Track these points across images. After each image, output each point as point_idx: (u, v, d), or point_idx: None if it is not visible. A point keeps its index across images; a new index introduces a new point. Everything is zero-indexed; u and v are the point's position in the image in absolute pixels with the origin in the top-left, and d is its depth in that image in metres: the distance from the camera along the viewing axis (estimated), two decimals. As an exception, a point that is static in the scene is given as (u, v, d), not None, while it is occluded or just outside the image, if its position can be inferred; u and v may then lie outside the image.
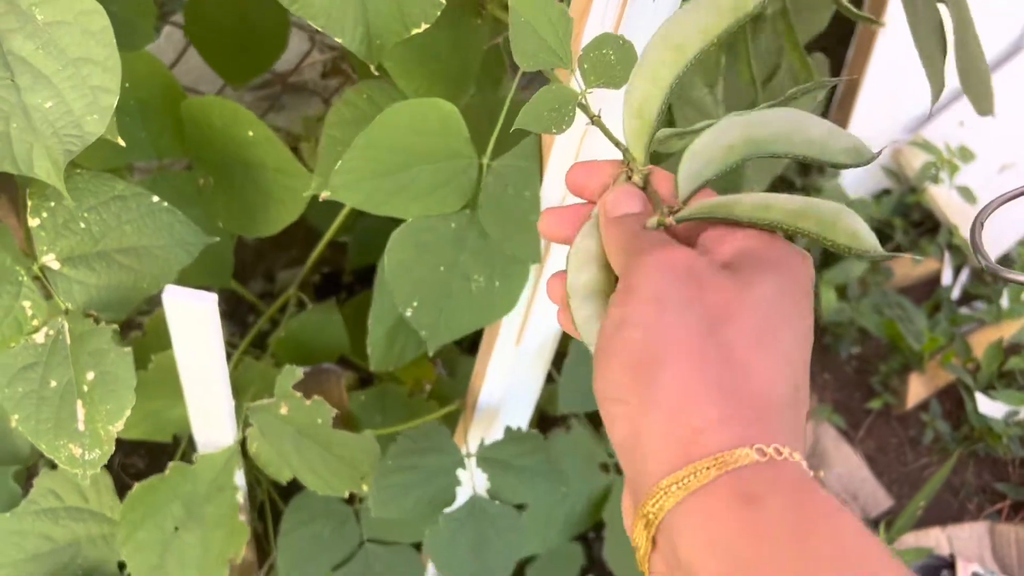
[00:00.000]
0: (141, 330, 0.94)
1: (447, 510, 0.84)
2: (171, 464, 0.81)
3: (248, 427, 0.82)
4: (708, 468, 0.34)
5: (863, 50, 1.58)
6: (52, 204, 0.68)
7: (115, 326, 0.70)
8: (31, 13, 0.54)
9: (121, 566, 0.86)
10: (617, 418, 0.38)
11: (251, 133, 0.82)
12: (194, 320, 0.66)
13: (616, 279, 0.42)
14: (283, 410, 0.81)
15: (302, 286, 1.57)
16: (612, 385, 0.38)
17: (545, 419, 1.15)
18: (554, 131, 0.49)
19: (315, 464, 0.80)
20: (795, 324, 0.39)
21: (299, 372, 0.80)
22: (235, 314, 1.50)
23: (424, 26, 0.62)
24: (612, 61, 0.49)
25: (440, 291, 0.71)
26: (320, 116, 1.42)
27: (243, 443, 0.83)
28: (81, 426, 0.70)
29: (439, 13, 0.61)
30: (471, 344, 1.43)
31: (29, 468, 0.97)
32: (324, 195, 0.66)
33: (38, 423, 0.70)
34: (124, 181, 0.68)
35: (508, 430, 0.85)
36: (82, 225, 0.68)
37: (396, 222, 0.71)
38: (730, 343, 0.37)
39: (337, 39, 0.60)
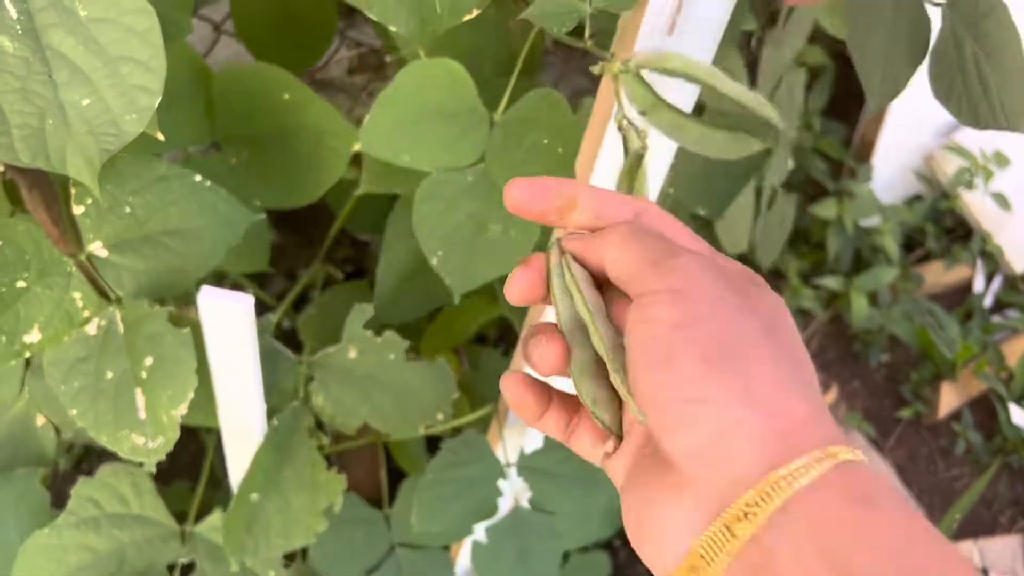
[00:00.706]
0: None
1: (490, 522, 0.82)
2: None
3: (310, 381, 0.80)
4: (820, 460, 0.32)
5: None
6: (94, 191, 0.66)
7: (170, 308, 0.69)
8: (74, 8, 0.52)
9: (170, 568, 0.84)
10: (699, 418, 0.34)
11: (287, 96, 0.81)
12: (230, 321, 0.64)
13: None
14: (351, 354, 0.80)
15: (324, 284, 1.56)
16: (687, 384, 0.35)
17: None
18: (554, 30, 0.55)
19: (385, 408, 0.80)
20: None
21: (369, 310, 0.79)
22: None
23: (475, 12, 0.62)
24: None
25: (461, 240, 0.74)
26: (346, 113, 1.41)
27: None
28: (142, 414, 0.69)
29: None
30: (497, 339, 1.42)
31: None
32: (356, 147, 0.72)
33: (96, 416, 0.69)
34: (166, 162, 0.67)
35: (547, 437, 0.84)
36: (127, 209, 0.67)
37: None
38: (789, 345, 0.36)
39: (391, 28, 0.61)
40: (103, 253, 0.67)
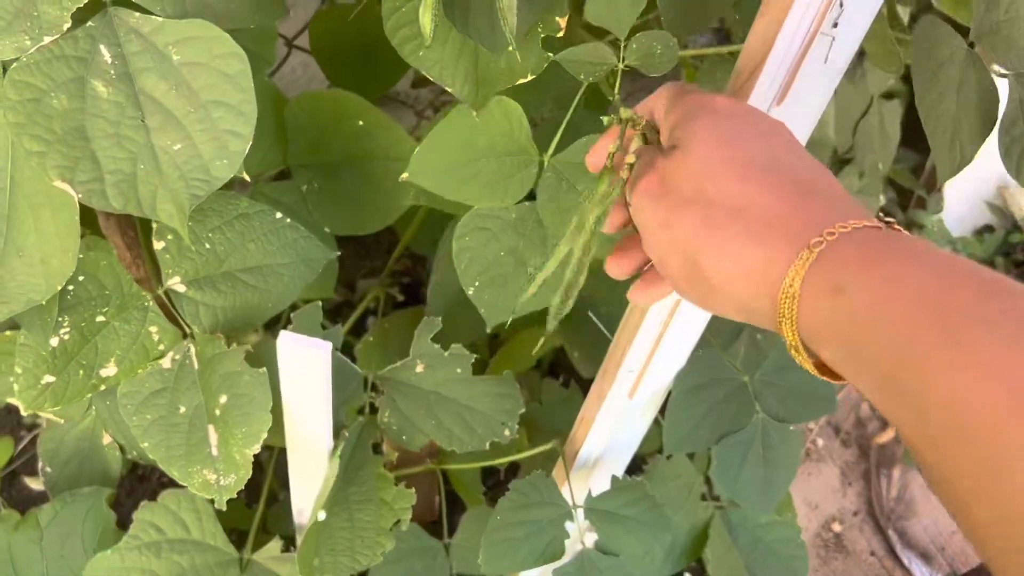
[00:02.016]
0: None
1: (556, 565, 0.81)
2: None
3: (379, 395, 0.80)
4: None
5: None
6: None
7: (248, 347, 0.69)
8: (167, 53, 0.52)
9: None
10: (699, 265, 0.43)
11: (361, 122, 0.81)
12: (306, 367, 0.64)
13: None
14: (419, 368, 0.79)
15: (382, 297, 1.56)
16: (685, 243, 0.44)
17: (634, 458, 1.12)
18: (582, 78, 0.61)
19: (450, 424, 0.80)
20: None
21: (438, 322, 0.79)
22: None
23: (531, 77, 0.66)
24: (657, 52, 0.60)
25: (499, 274, 0.75)
26: (410, 129, 1.40)
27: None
28: (215, 451, 0.69)
29: (545, 66, 0.65)
30: (549, 367, 1.41)
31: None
32: (404, 176, 0.72)
33: (169, 450, 0.69)
34: (247, 199, 0.67)
35: (615, 479, 0.83)
36: (207, 246, 0.67)
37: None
38: (758, 175, 0.43)
39: (448, 88, 0.65)
40: (181, 288, 0.67)
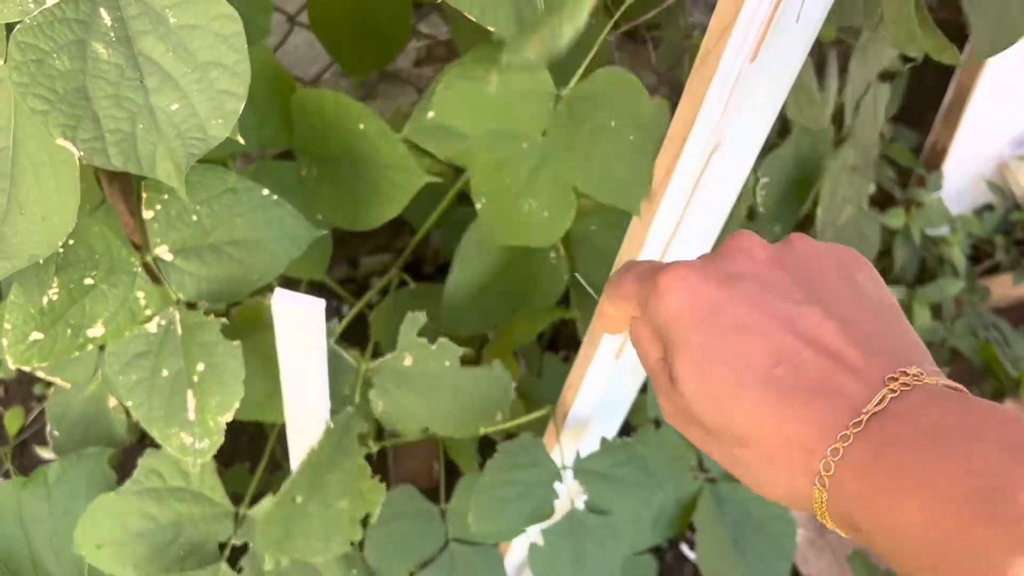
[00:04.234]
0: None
1: (545, 525, 0.83)
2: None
3: (370, 388, 0.82)
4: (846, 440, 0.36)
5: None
6: (166, 197, 0.69)
7: (224, 319, 0.71)
8: (164, 15, 0.54)
9: (222, 546, 0.87)
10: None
11: (362, 126, 0.83)
12: (301, 323, 0.66)
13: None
14: (407, 362, 0.82)
15: (384, 273, 1.58)
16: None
17: (627, 427, 1.14)
18: None
19: (445, 411, 0.83)
20: None
21: (422, 317, 0.81)
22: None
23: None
24: None
25: (504, 201, 0.77)
26: (411, 106, 1.42)
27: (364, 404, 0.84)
28: (191, 415, 0.72)
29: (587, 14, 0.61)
30: (549, 342, 1.43)
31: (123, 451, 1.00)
32: (430, 114, 0.75)
33: (150, 410, 0.72)
34: (235, 174, 0.69)
35: (604, 441, 0.85)
36: (194, 218, 0.69)
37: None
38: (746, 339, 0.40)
39: (490, 27, 0.63)
40: (168, 257, 0.70)
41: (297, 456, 0.84)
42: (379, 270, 1.62)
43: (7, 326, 0.68)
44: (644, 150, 0.70)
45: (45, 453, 1.40)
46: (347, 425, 0.83)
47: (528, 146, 0.75)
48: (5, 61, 0.58)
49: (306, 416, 0.78)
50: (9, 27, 0.53)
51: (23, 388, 1.46)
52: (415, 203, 1.29)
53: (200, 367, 0.71)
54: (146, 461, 0.84)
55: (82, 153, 0.54)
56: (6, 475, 1.40)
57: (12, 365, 0.69)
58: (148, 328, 0.72)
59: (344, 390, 0.84)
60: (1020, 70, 1.53)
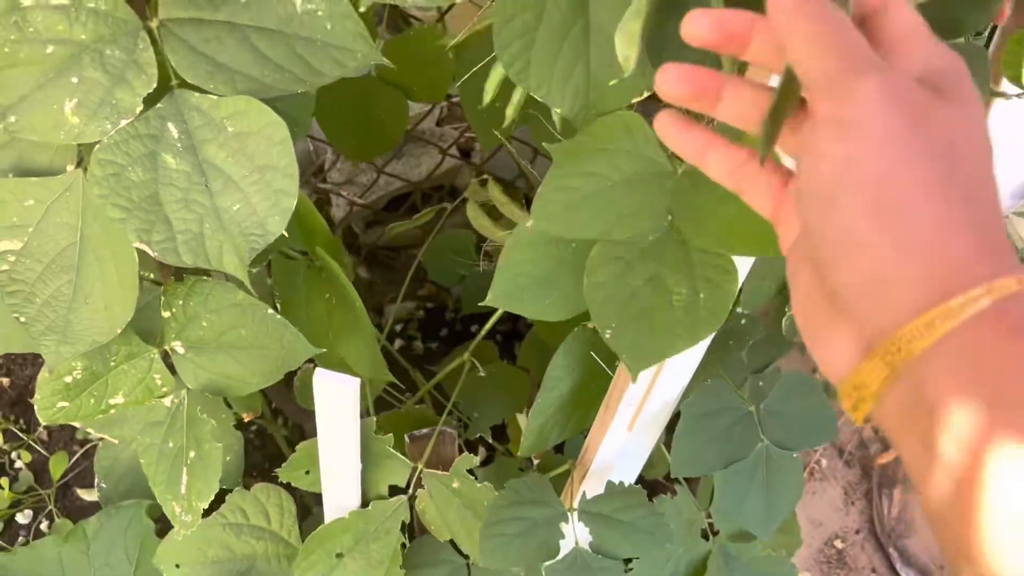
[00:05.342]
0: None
1: (550, 562, 0.87)
2: (350, 511, 0.91)
3: (420, 488, 0.90)
4: (977, 299, 0.33)
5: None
6: (181, 302, 0.75)
7: (213, 423, 0.79)
8: (223, 125, 0.60)
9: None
10: (858, 260, 0.36)
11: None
12: (337, 397, 0.72)
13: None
14: (455, 484, 0.89)
15: (408, 321, 1.64)
16: (848, 228, 0.36)
17: (642, 482, 1.18)
18: None
19: (473, 533, 0.89)
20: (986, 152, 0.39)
21: (475, 460, 0.88)
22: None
23: (646, 94, 0.63)
24: None
25: (639, 310, 0.67)
26: (433, 170, 1.48)
27: (412, 499, 0.91)
28: (183, 489, 0.80)
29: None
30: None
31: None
32: (529, 223, 0.67)
33: (156, 472, 0.81)
34: (243, 292, 0.74)
35: (610, 484, 0.88)
36: (204, 323, 0.75)
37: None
38: (964, 179, 0.36)
39: (555, 108, 0.64)
40: (181, 350, 0.77)
41: (331, 510, 0.90)
42: (404, 317, 1.68)
43: (37, 396, 0.77)
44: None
45: (87, 495, 1.46)
46: (396, 510, 0.90)
47: (655, 236, 0.65)
48: (75, 168, 0.65)
49: (340, 477, 0.84)
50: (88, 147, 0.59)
51: (66, 433, 1.52)
52: (438, 259, 1.36)
53: (192, 454, 0.79)
54: (233, 498, 0.92)
55: (156, 253, 0.60)
56: (49, 516, 1.45)
57: (43, 422, 0.78)
58: (164, 402, 0.80)
59: (400, 482, 0.91)
60: (1018, 123, 1.57)
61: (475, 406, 1.20)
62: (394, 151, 1.48)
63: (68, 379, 0.76)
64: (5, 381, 1.55)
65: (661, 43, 0.58)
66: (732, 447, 0.92)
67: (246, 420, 0.96)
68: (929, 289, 0.34)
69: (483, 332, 1.01)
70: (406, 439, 0.92)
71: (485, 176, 1.26)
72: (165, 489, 0.81)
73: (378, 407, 1.12)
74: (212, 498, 0.80)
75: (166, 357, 0.78)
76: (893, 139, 0.35)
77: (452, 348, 1.44)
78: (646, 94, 0.62)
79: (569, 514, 0.89)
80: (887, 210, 0.35)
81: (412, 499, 0.91)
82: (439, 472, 0.89)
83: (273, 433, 1.26)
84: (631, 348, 0.66)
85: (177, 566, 0.92)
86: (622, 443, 0.87)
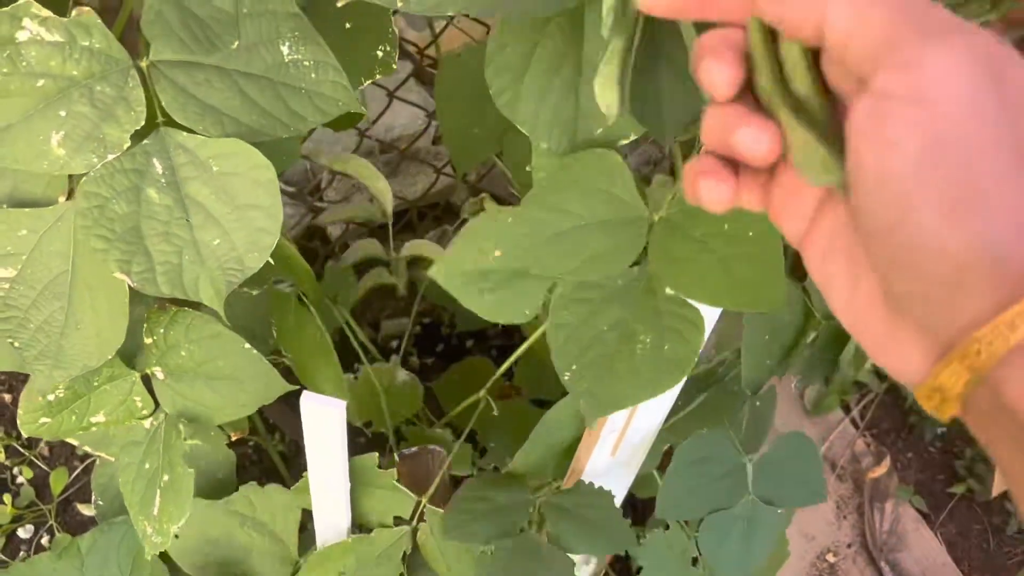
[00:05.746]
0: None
1: (500, 540, 0.89)
2: (352, 536, 0.94)
3: (422, 521, 0.92)
4: None
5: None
6: (162, 331, 0.78)
7: (187, 447, 0.82)
8: (208, 164, 0.62)
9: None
10: (928, 268, 0.31)
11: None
12: (324, 419, 0.74)
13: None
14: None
15: (403, 336, 1.66)
16: (924, 232, 0.31)
17: (636, 500, 1.20)
18: None
19: (469, 572, 0.91)
20: None
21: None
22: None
23: (633, 137, 0.62)
24: None
25: (601, 355, 0.65)
26: (428, 188, 1.51)
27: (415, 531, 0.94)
28: (155, 511, 0.82)
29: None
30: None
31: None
32: (496, 253, 0.65)
33: (132, 492, 0.83)
34: (222, 325, 0.76)
35: (580, 482, 0.89)
36: (183, 352, 0.78)
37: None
38: None
39: (541, 144, 0.62)
40: (161, 376, 0.79)
41: (322, 528, 0.92)
42: (398, 332, 1.70)
43: (20, 411, 0.80)
44: (772, 257, 0.60)
45: (87, 511, 1.48)
46: (399, 540, 0.92)
47: (624, 281, 0.64)
48: (67, 199, 0.67)
49: (329, 497, 0.86)
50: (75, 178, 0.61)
51: (66, 449, 1.54)
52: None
53: (166, 477, 0.81)
54: (246, 490, 0.94)
55: (136, 284, 0.62)
56: (50, 531, 1.48)
57: (25, 435, 0.81)
58: (144, 424, 0.82)
59: (404, 513, 0.93)
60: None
61: (489, 436, 1.22)
62: (390, 170, 1.50)
63: (51, 397, 0.79)
64: (7, 397, 1.58)
65: (654, 83, 0.57)
66: (720, 496, 0.93)
67: (234, 439, 0.97)
68: (1008, 288, 0.30)
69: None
70: (395, 457, 0.94)
71: (483, 195, 1.29)
72: (139, 510, 0.83)
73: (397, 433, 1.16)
74: (182, 523, 0.82)
75: (147, 380, 0.80)
76: (980, 112, 0.30)
77: (448, 364, 1.46)
78: (632, 136, 0.61)
79: (535, 501, 0.90)
80: (967, 209, 0.30)
81: (415, 531, 0.93)
82: (438, 509, 0.91)
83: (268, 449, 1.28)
84: (589, 394, 0.65)
85: (176, 536, 0.93)
86: (606, 466, 0.88)
